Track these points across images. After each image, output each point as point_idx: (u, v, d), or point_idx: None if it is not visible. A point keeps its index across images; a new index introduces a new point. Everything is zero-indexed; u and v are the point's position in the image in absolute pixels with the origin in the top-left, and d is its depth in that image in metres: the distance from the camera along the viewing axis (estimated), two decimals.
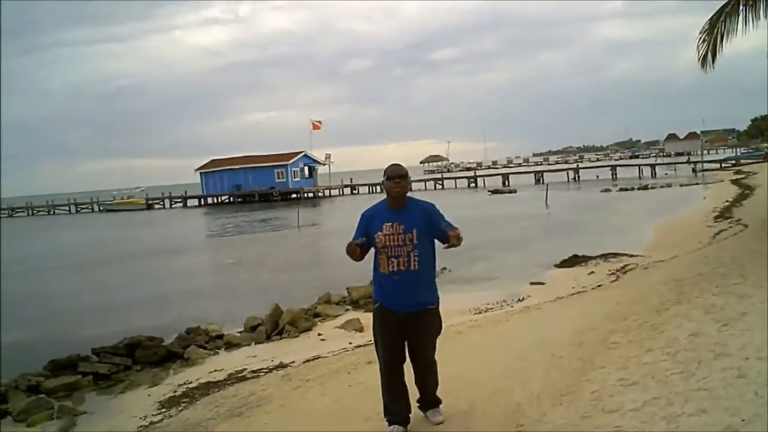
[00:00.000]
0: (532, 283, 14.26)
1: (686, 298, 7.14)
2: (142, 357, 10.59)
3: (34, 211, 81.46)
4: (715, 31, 13.09)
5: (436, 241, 4.65)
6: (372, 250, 4.64)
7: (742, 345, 4.83)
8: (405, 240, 4.50)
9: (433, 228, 4.55)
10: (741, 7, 12.46)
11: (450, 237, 4.40)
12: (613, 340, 6.09)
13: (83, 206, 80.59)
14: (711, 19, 13.29)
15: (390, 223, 4.54)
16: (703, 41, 13.35)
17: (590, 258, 16.54)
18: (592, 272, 14.56)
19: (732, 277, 7.73)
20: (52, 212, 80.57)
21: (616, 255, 16.41)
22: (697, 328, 5.65)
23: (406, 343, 4.71)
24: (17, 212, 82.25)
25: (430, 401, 4.92)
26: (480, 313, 11.45)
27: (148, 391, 9.11)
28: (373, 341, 4.94)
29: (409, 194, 4.69)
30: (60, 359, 10.33)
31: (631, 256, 16.11)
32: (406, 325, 4.59)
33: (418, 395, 4.92)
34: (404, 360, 4.77)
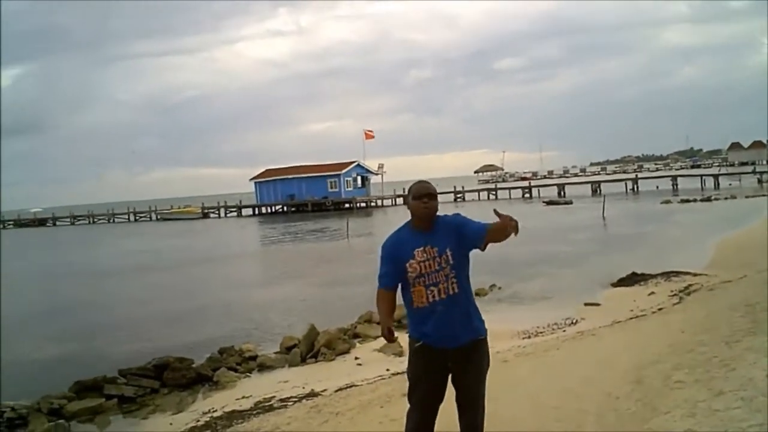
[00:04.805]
0: (586, 304, 13.42)
1: (760, 328, 6.32)
2: (170, 379, 10.21)
3: (95, 219, 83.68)
4: None
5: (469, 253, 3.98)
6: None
7: None
8: (441, 263, 3.85)
9: (466, 238, 3.88)
10: None
11: (502, 219, 3.60)
12: (677, 378, 5.37)
13: (142, 215, 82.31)
14: None
15: (422, 248, 3.88)
16: None
17: (650, 276, 15.59)
18: (653, 293, 13.63)
19: None
20: (112, 220, 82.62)
21: (678, 273, 15.43)
22: None
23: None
24: (79, 220, 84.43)
25: None
26: (529, 337, 10.75)
27: (171, 419, 8.70)
28: (409, 383, 4.13)
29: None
30: (86, 380, 10.03)
31: (695, 274, 15.11)
32: (456, 363, 3.92)
33: None
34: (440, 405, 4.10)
